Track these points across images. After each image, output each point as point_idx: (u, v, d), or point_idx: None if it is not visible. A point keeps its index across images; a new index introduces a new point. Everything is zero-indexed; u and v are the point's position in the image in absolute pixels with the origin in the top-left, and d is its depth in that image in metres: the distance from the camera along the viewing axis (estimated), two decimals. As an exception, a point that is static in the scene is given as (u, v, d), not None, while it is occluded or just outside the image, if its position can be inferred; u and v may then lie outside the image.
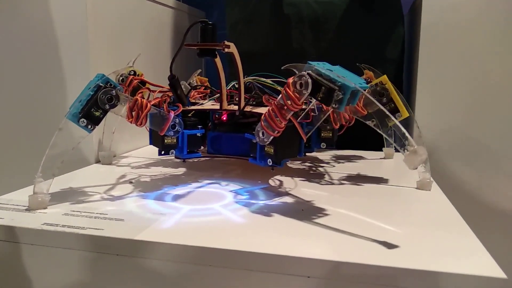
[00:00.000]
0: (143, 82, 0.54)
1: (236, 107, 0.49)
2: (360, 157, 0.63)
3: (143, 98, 0.42)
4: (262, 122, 0.38)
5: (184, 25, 0.85)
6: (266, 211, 0.38)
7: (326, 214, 0.38)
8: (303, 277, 0.29)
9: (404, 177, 0.50)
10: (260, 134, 0.38)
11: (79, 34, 0.55)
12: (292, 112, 0.36)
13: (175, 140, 0.43)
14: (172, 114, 0.41)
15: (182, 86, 0.59)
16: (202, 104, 0.52)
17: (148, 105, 0.40)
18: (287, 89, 0.34)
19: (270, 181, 0.48)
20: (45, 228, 0.33)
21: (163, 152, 0.44)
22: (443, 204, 0.42)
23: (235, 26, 0.76)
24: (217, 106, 0.50)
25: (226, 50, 0.41)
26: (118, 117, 0.45)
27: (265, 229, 0.34)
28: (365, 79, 0.57)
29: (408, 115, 0.46)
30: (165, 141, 0.43)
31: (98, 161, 0.57)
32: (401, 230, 0.34)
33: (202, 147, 0.50)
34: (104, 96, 0.39)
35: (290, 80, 0.34)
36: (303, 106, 0.39)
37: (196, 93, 0.59)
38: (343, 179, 0.49)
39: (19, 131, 0.59)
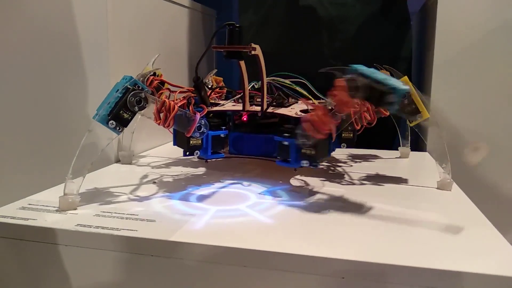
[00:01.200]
0: (162, 82, 0.55)
1: (257, 108, 0.49)
2: (376, 156, 0.63)
3: (168, 100, 0.42)
4: (305, 125, 0.38)
5: (198, 24, 0.85)
6: (293, 212, 0.39)
7: (353, 215, 0.38)
8: (338, 278, 0.29)
9: (423, 177, 0.51)
10: (301, 138, 0.39)
11: (100, 34, 0.55)
12: (341, 115, 0.36)
13: (200, 141, 0.44)
14: (198, 115, 0.41)
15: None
16: (222, 105, 0.53)
17: (176, 107, 0.40)
18: (340, 92, 0.35)
19: (292, 181, 0.49)
20: (79, 230, 0.34)
21: (187, 153, 0.45)
22: (466, 204, 0.42)
23: (249, 28, 0.77)
24: (238, 107, 0.50)
25: (253, 52, 0.41)
26: (137, 117, 0.45)
27: (295, 231, 0.35)
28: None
29: (429, 116, 0.47)
30: (191, 142, 0.43)
31: (118, 161, 0.57)
32: (427, 230, 0.35)
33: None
34: (133, 99, 0.39)
35: (341, 83, 0.35)
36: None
37: (213, 93, 0.59)
38: (363, 179, 0.50)
39: (35, 130, 0.60)
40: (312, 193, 0.45)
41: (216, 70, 0.68)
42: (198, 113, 0.42)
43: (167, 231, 0.33)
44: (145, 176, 0.50)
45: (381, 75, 0.34)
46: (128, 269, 0.33)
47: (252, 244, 0.31)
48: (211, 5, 0.92)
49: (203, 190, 0.45)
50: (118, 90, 0.39)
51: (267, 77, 0.54)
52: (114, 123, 0.39)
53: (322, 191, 0.45)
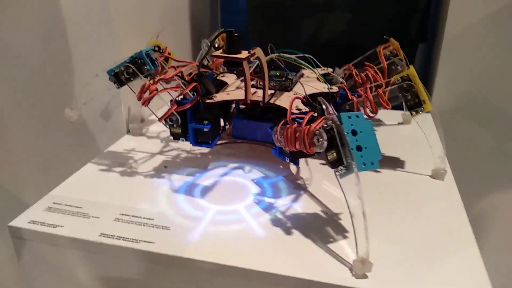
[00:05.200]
0: (167, 59, 0.54)
1: (259, 94, 0.49)
2: (378, 121, 0.64)
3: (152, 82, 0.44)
4: (278, 135, 0.39)
5: (200, 5, 0.81)
6: (290, 219, 0.41)
7: (347, 216, 0.41)
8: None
9: (420, 160, 0.52)
10: (275, 137, 0.40)
11: (102, 15, 0.54)
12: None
13: (179, 130, 0.45)
14: (173, 107, 0.43)
15: (204, 45, 0.58)
16: (227, 86, 0.53)
17: (154, 92, 0.43)
18: (305, 132, 0.34)
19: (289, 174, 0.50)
20: (103, 241, 0.37)
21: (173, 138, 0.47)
22: (453, 198, 0.44)
23: (256, 10, 0.73)
24: (242, 91, 0.51)
25: (252, 58, 0.41)
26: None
27: (291, 247, 0.37)
28: (391, 51, 0.56)
29: (431, 109, 0.47)
30: (172, 130, 0.45)
31: (128, 131, 0.60)
32: (407, 234, 0.39)
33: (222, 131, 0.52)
34: (125, 70, 0.45)
35: (313, 127, 0.34)
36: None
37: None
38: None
39: (42, 112, 0.60)
40: (308, 187, 0.47)
41: (222, 30, 0.65)
42: (175, 105, 0.43)
43: (179, 245, 0.37)
44: (154, 155, 0.53)
45: (361, 141, 0.32)
46: (146, 277, 0.38)
47: (258, 265, 0.34)
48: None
49: (207, 179, 0.47)
50: (130, 56, 0.46)
51: (272, 53, 0.53)
52: (114, 79, 0.46)
53: (319, 185, 0.47)
